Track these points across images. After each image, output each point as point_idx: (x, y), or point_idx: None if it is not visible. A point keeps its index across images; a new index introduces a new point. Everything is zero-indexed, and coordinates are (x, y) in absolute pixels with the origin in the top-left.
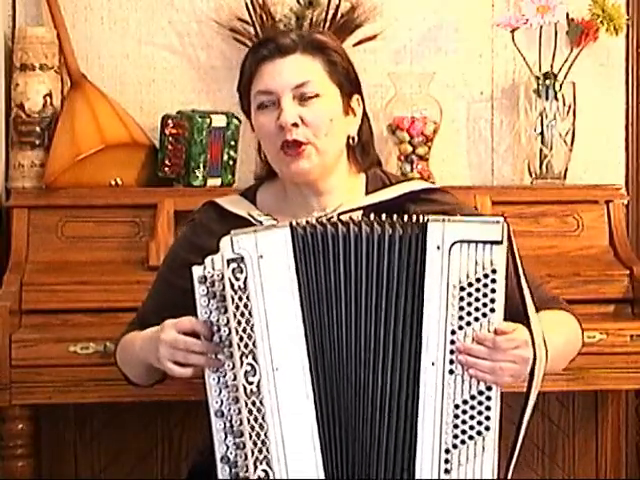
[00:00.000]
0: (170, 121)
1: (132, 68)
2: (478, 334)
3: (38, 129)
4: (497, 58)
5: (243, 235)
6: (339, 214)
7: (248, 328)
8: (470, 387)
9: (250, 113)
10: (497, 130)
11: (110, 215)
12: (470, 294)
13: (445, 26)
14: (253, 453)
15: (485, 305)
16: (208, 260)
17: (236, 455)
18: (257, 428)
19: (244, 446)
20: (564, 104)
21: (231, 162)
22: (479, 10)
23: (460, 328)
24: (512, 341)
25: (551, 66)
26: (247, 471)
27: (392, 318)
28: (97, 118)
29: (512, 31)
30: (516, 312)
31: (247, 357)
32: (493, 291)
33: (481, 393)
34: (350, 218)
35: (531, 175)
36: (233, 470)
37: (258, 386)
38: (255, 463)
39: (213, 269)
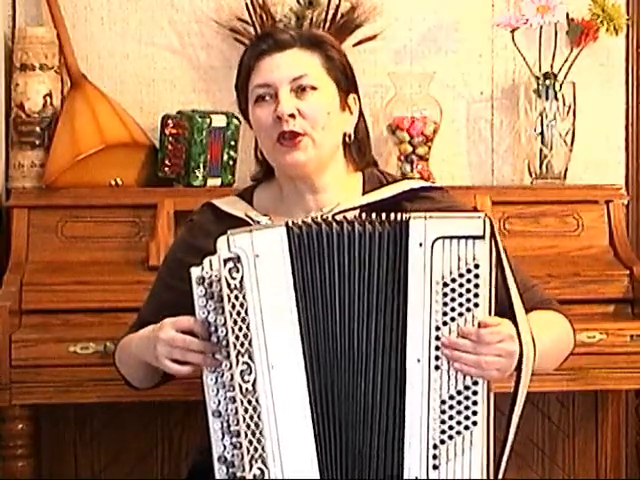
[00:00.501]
0: (170, 121)
1: (132, 68)
2: (462, 328)
3: (38, 129)
4: (497, 58)
5: (239, 234)
6: (335, 214)
7: (244, 327)
8: (456, 382)
9: (247, 111)
10: (497, 130)
11: (110, 215)
12: (454, 290)
13: (445, 26)
14: (249, 451)
15: (469, 300)
16: (206, 261)
17: (233, 455)
18: (253, 426)
19: (241, 446)
20: (564, 104)
21: (231, 162)
22: (479, 10)
23: (444, 324)
24: (496, 334)
25: (551, 66)
26: (244, 471)
27: (377, 316)
28: (97, 118)
29: (512, 31)
30: (506, 308)
31: (243, 356)
32: (476, 286)
33: (467, 388)
34: (344, 217)
35: (531, 175)
36: (230, 470)
37: (254, 385)
38: (251, 461)
39: (211, 270)
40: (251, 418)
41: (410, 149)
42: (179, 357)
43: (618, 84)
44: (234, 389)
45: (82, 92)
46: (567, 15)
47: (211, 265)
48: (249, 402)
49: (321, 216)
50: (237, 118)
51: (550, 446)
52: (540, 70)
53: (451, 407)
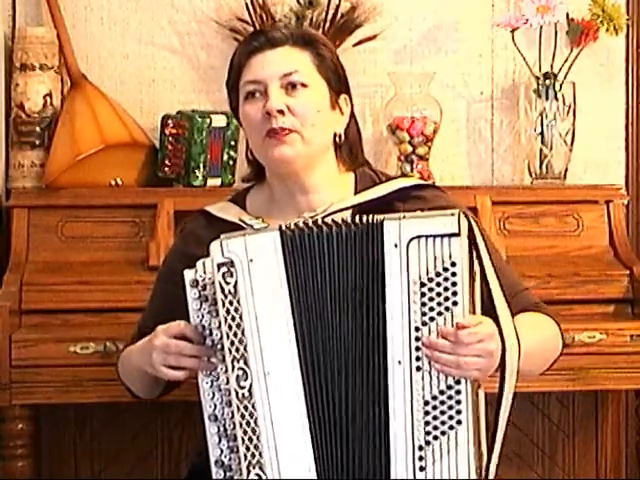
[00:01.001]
0: (170, 121)
1: (132, 68)
2: (442, 328)
3: (38, 129)
4: (497, 58)
5: (233, 239)
6: (327, 215)
7: (239, 332)
8: (439, 382)
9: (238, 109)
10: (497, 130)
11: (110, 215)
12: (431, 289)
13: (445, 26)
14: (246, 457)
15: (447, 299)
16: (199, 264)
17: (230, 459)
18: (249, 432)
19: (238, 450)
20: (564, 104)
21: (231, 162)
22: (479, 10)
23: (424, 324)
24: (474, 335)
25: (551, 66)
26: (241, 474)
27: (359, 319)
28: (97, 118)
29: (512, 31)
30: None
31: (238, 362)
32: (454, 284)
33: (450, 387)
34: (332, 220)
35: (531, 175)
36: (227, 474)
37: (250, 390)
38: (248, 467)
39: (204, 272)
40: (248, 424)
41: (410, 149)
42: (173, 363)
43: (618, 84)
44: (229, 393)
45: (82, 92)
46: (567, 15)
47: (204, 268)
48: (245, 408)
49: (313, 218)
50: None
51: (550, 446)
52: (540, 70)
53: (434, 407)
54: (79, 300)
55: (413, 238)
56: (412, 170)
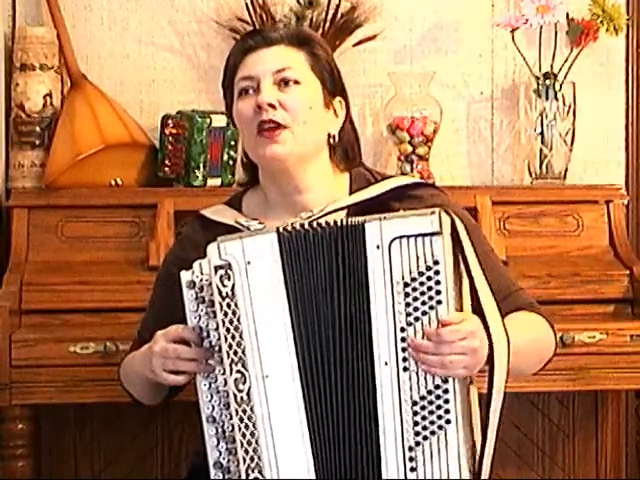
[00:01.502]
0: (170, 121)
1: (132, 68)
2: (425, 329)
3: (38, 129)
4: (497, 58)
5: (230, 242)
6: (323, 215)
7: (237, 335)
8: (426, 382)
9: (232, 108)
10: (497, 130)
11: (110, 215)
12: (415, 289)
13: (445, 26)
14: (245, 461)
15: (431, 298)
16: (196, 265)
17: (229, 461)
18: (248, 435)
19: (236, 452)
20: (564, 104)
21: (231, 162)
22: (479, 10)
23: (409, 324)
24: (457, 332)
25: (551, 66)
26: (240, 477)
27: (347, 321)
28: (97, 118)
29: (512, 31)
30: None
31: (237, 365)
32: (438, 283)
33: (438, 387)
34: (326, 221)
35: (531, 175)
36: (226, 476)
37: (248, 394)
38: (247, 470)
39: (201, 274)
40: (246, 427)
41: (410, 149)
42: (172, 367)
43: (618, 84)
44: (228, 395)
45: (82, 92)
46: (567, 15)
47: (201, 269)
48: (244, 411)
49: (310, 218)
50: None
51: (550, 446)
52: (540, 70)
53: (423, 408)
54: (79, 300)
55: (395, 238)
56: (412, 170)
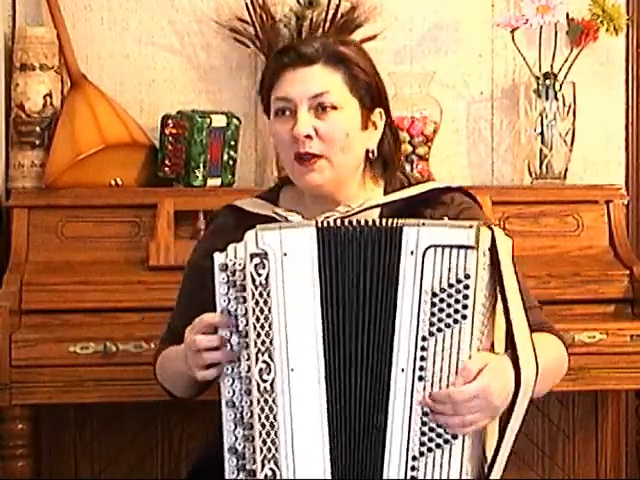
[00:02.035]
0: (170, 121)
1: (132, 68)
2: (434, 394)
3: (38, 129)
4: (497, 58)
5: (268, 231)
6: (360, 211)
7: (266, 325)
8: None
9: (270, 115)
10: (497, 130)
11: (110, 215)
12: (442, 300)
13: (445, 26)
14: (262, 451)
15: (457, 312)
16: (231, 248)
17: (244, 447)
18: (268, 426)
19: (253, 439)
20: (564, 104)
21: (231, 162)
22: (479, 10)
23: (431, 334)
24: (468, 391)
25: (551, 66)
26: (254, 464)
27: (373, 323)
28: (97, 118)
29: (512, 31)
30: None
31: (263, 354)
32: (466, 297)
33: None
34: (365, 220)
35: (531, 175)
36: (240, 462)
37: (272, 385)
38: (263, 461)
39: (235, 257)
40: (267, 418)
41: (410, 149)
42: (200, 362)
43: (618, 84)
44: (250, 382)
45: (82, 92)
46: (567, 15)
47: (236, 253)
48: (266, 401)
49: (347, 213)
50: (237, 118)
51: (550, 446)
52: (540, 70)
53: (432, 420)
54: (79, 300)
55: (430, 246)
56: (412, 170)
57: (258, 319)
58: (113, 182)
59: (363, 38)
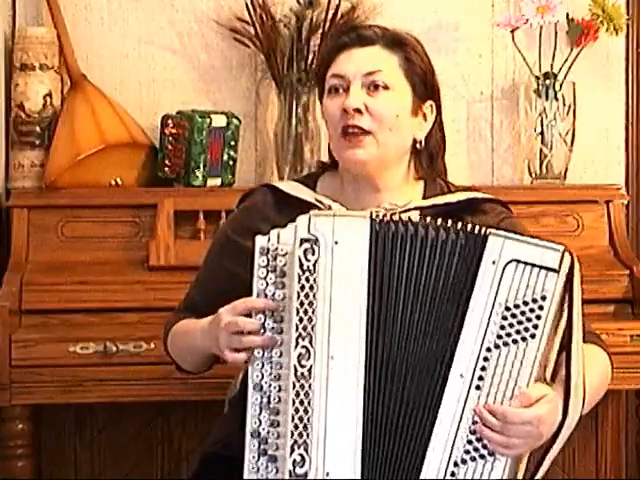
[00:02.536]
0: (170, 121)
1: (132, 68)
2: (489, 406)
3: (38, 129)
4: (497, 58)
5: (322, 217)
6: (405, 210)
7: (310, 311)
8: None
9: (322, 100)
10: (497, 130)
11: (110, 215)
12: (514, 315)
13: (445, 26)
14: (292, 435)
15: (527, 330)
16: (274, 233)
17: (268, 432)
18: (301, 412)
19: (278, 424)
20: (564, 104)
21: (231, 162)
22: (479, 10)
23: (496, 347)
24: (523, 416)
25: (551, 66)
26: (277, 449)
27: (435, 323)
28: (97, 118)
29: (512, 31)
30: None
31: (304, 340)
32: (538, 317)
33: None
34: (427, 220)
35: (531, 175)
36: (262, 446)
37: (310, 370)
38: (293, 446)
39: (278, 242)
40: (301, 403)
41: None
42: (237, 345)
43: (618, 84)
44: (281, 367)
45: (82, 92)
46: (567, 15)
47: (279, 238)
48: (302, 387)
49: (392, 211)
50: (237, 118)
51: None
52: (540, 70)
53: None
54: (79, 300)
55: (512, 260)
56: None
57: (302, 304)
58: (113, 182)
59: None
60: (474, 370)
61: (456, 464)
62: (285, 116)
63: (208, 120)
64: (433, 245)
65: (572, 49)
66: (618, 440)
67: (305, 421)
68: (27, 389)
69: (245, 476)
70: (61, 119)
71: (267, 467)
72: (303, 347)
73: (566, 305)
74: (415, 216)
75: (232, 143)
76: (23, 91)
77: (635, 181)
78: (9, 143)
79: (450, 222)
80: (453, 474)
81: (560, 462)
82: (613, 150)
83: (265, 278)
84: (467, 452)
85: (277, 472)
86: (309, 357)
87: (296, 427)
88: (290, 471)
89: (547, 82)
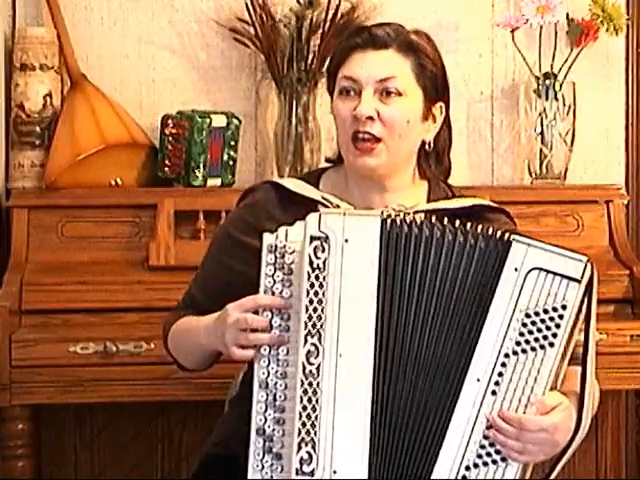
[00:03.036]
0: (170, 121)
1: (132, 68)
2: (505, 413)
3: (38, 129)
4: (497, 58)
5: (332, 215)
6: (414, 212)
7: (319, 308)
8: (509, 411)
9: (333, 95)
10: (497, 130)
11: (110, 215)
12: (534, 322)
13: (445, 26)
14: (299, 433)
15: (545, 338)
16: (282, 230)
17: (274, 430)
18: (309, 409)
19: (284, 422)
20: (564, 104)
21: (231, 162)
22: (479, 10)
23: (514, 353)
24: (540, 423)
25: (551, 66)
26: (282, 447)
27: (452, 326)
28: (97, 118)
29: (512, 31)
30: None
31: (312, 337)
32: (557, 326)
33: None
34: (438, 221)
35: (531, 175)
36: (267, 444)
37: (318, 368)
38: (300, 444)
39: (285, 240)
40: (309, 400)
41: None
42: (244, 342)
43: (618, 84)
44: (287, 364)
45: (82, 92)
46: (567, 15)
47: (287, 236)
48: (310, 384)
49: (400, 212)
50: (237, 118)
51: None
52: (540, 70)
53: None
54: (79, 300)
55: (535, 268)
56: None
57: (311, 301)
58: (113, 182)
59: None
60: (491, 375)
61: (468, 468)
62: (285, 116)
63: (208, 120)
64: (450, 247)
65: (572, 49)
66: (618, 440)
67: (313, 419)
68: (27, 389)
69: (249, 474)
70: (61, 119)
71: (272, 465)
72: (312, 344)
73: (583, 315)
74: (420, 217)
75: (232, 143)
76: (23, 91)
77: (635, 181)
78: (9, 143)
79: (469, 225)
80: (464, 478)
81: None
82: (613, 150)
83: (272, 276)
84: (480, 456)
85: (282, 470)
86: (317, 355)
87: (303, 425)
88: (297, 469)
89: (547, 82)
